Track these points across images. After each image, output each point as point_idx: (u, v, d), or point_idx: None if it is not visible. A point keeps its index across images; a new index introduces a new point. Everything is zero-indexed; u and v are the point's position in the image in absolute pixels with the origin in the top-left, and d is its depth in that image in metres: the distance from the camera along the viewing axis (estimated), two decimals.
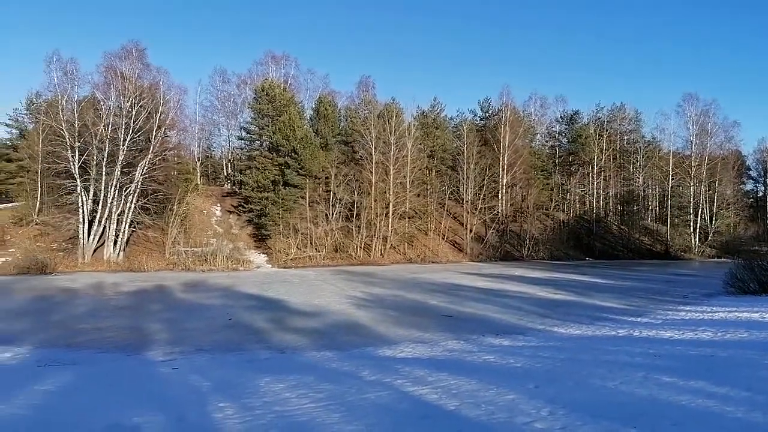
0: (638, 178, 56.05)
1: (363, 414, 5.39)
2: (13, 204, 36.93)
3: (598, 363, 7.90)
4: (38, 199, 34.09)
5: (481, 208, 44.47)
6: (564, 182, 55.09)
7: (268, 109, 40.79)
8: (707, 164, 50.94)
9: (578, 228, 51.03)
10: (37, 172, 34.00)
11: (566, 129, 58.40)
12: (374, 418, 5.23)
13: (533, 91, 74.40)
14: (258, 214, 37.51)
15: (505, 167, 46.90)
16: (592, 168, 53.61)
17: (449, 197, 45.47)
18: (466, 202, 44.80)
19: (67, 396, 6.76)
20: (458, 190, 45.91)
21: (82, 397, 6.73)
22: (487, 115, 55.26)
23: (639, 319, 14.02)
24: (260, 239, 37.36)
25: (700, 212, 50.69)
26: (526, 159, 48.39)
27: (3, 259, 28.99)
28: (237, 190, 43.35)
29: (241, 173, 42.73)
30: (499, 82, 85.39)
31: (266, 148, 40.17)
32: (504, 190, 47.24)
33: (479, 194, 44.70)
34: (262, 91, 42.00)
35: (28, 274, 26.78)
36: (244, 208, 39.15)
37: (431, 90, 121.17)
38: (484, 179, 44.70)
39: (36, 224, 32.97)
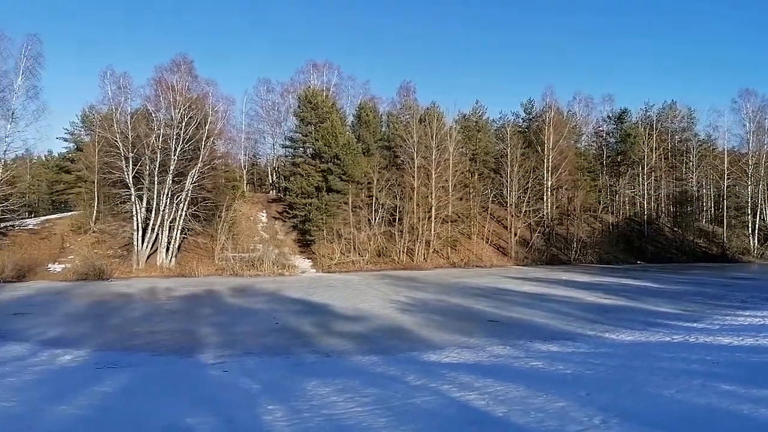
0: (691, 178, 53.69)
1: (410, 419, 5.39)
2: (72, 213, 38.88)
3: (653, 370, 7.63)
4: (95, 208, 35.78)
5: (525, 211, 43.69)
6: (612, 183, 53.38)
7: (311, 116, 41.44)
8: (765, 162, 48.36)
9: (628, 230, 49.34)
10: (93, 183, 35.73)
11: (614, 128, 56.63)
12: (421, 423, 5.22)
13: (577, 91, 72.82)
14: (302, 220, 38.08)
15: (550, 169, 45.92)
16: (642, 168, 51.70)
17: (493, 200, 44.88)
18: (510, 205, 44.10)
19: (124, 397, 7.04)
20: (502, 193, 45.24)
21: (139, 399, 7.00)
22: (530, 116, 54.36)
23: (695, 325, 13.45)
24: (305, 244, 37.91)
25: (758, 212, 48.09)
26: (571, 160, 47.22)
27: (63, 266, 30.52)
28: (282, 196, 44.17)
29: (285, 180, 43.54)
30: (542, 83, 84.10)
31: (310, 155, 40.78)
32: (549, 193, 46.24)
33: (523, 197, 43.95)
34: (305, 98, 42.71)
35: (87, 280, 28.08)
36: (289, 214, 39.84)
37: (473, 93, 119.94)
38: (528, 182, 43.88)
39: (93, 232, 34.54)
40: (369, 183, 39.17)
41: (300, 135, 43.04)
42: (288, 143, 47.11)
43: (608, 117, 57.98)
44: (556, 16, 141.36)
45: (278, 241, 38.38)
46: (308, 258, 36.68)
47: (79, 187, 39.82)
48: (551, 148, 45.91)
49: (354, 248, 36.89)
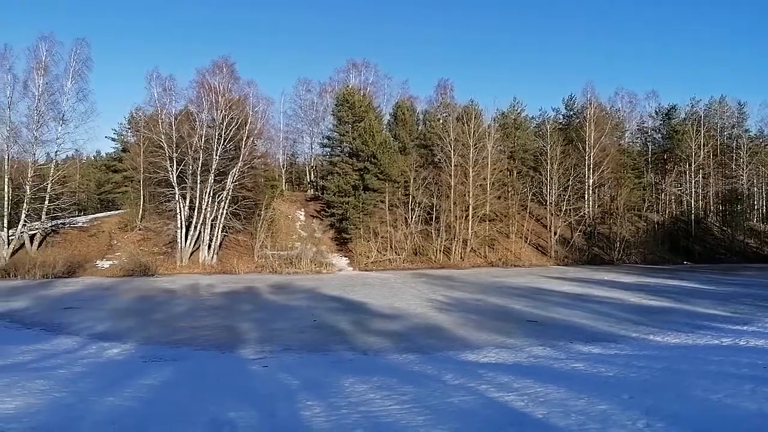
0: (742, 175, 51.36)
1: (448, 418, 5.35)
2: (119, 211, 40.35)
3: (700, 374, 7.34)
4: (141, 206, 37.02)
5: (566, 209, 42.79)
6: (658, 181, 51.58)
7: (348, 115, 41.69)
8: None
9: (675, 230, 47.65)
10: (139, 182, 36.95)
11: (660, 125, 54.76)
12: (459, 423, 5.17)
13: (620, 87, 70.69)
14: (339, 219, 38.39)
15: (592, 166, 44.82)
16: (690, 166, 49.84)
17: (532, 199, 44.08)
18: (550, 203, 43.25)
19: (169, 390, 7.25)
20: (541, 191, 44.39)
21: (183, 392, 7.19)
22: (570, 113, 53.19)
23: (745, 328, 12.88)
24: (342, 243, 38.21)
25: None
26: (614, 157, 45.92)
27: (110, 262, 31.68)
28: (319, 195, 44.64)
29: (323, 179, 43.98)
30: (582, 79, 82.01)
31: (347, 154, 41.05)
32: (591, 191, 45.14)
33: (564, 195, 43.04)
34: (343, 98, 43.01)
35: (133, 276, 29.09)
36: (327, 212, 40.23)
37: (511, 90, 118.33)
38: (568, 180, 42.93)
39: (139, 230, 35.74)
40: (406, 182, 39.14)
41: (337, 134, 43.38)
42: (325, 142, 47.60)
43: (655, 113, 56.13)
44: (596, 10, 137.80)
45: (316, 239, 38.82)
46: (345, 256, 36.95)
47: (126, 186, 41.31)
48: (593, 145, 44.79)
49: (391, 247, 36.95)
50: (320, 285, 25.07)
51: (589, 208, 44.51)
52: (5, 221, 30.31)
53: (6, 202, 30.30)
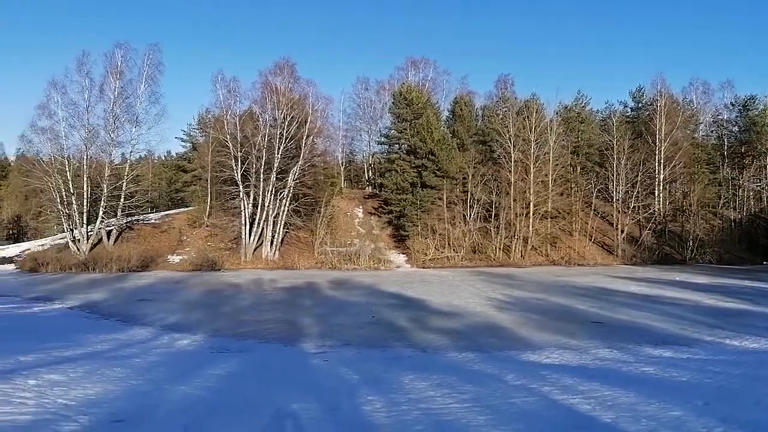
0: None
1: (510, 419, 5.25)
2: (188, 208, 42.26)
3: None
4: (208, 203, 38.63)
5: (634, 206, 40.90)
6: (735, 176, 48.26)
7: (406, 112, 41.69)
8: None
9: (753, 228, 44.48)
10: (207, 180, 38.55)
11: (737, 117, 51.22)
12: (522, 424, 5.07)
13: (694, 77, 66.76)
14: (397, 216, 38.49)
15: (662, 161, 42.62)
16: None
17: (597, 195, 42.35)
18: (617, 200, 41.48)
19: (236, 380, 7.53)
20: (607, 187, 42.57)
21: (249, 383, 7.45)
22: (639, 105, 50.72)
23: None
24: (399, 240, 38.30)
25: None
26: (686, 151, 43.40)
27: (180, 257, 33.27)
28: (377, 192, 44.93)
29: (381, 176, 44.21)
30: (652, 70, 77.90)
31: (405, 151, 41.06)
32: (661, 187, 42.94)
33: (632, 192, 41.16)
34: (400, 95, 43.02)
35: (201, 270, 30.43)
36: (384, 209, 40.44)
37: (575, 83, 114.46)
38: (637, 175, 40.97)
39: (206, 226, 37.31)
40: (464, 178, 38.71)
41: (395, 131, 43.47)
42: (383, 140, 47.82)
43: (731, 104, 52.56)
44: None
45: (374, 236, 39.12)
46: (403, 253, 37.03)
47: (195, 184, 43.27)
48: (663, 139, 42.59)
49: (448, 244, 36.68)
50: (378, 281, 25.26)
51: (659, 204, 42.35)
52: (84, 218, 32.46)
53: (85, 200, 32.43)
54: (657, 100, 45.08)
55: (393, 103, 44.56)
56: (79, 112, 32.90)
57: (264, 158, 33.78)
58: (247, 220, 33.90)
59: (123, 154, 36.77)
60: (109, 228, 34.13)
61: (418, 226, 36.89)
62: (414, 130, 39.25)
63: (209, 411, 5.52)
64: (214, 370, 8.00)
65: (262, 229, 34.18)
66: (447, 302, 18.10)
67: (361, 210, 43.57)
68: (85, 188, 32.41)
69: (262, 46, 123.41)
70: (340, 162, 53.83)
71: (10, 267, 31.65)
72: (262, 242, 34.25)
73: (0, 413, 4.69)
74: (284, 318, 15.13)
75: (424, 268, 33.98)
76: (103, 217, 33.24)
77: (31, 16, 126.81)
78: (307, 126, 34.95)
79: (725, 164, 48.89)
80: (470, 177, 37.98)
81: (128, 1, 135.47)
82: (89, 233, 32.76)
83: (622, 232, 39.72)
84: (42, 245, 35.30)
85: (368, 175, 54.17)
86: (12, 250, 36.04)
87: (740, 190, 47.62)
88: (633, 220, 40.75)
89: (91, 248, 32.49)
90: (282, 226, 34.69)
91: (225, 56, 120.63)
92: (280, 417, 5.34)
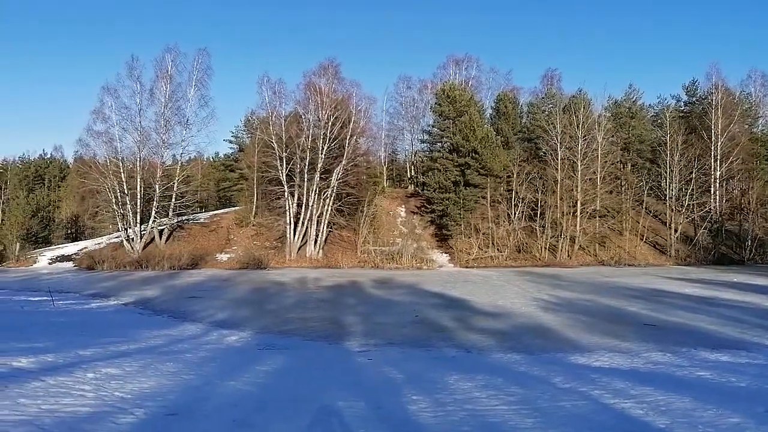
0: None
1: (558, 422, 5.12)
2: (236, 208, 43.37)
3: None
4: (254, 203, 39.51)
5: (688, 204, 39.18)
6: None
7: (448, 111, 41.40)
8: None
9: None
10: (253, 180, 39.44)
11: None
12: (571, 428, 4.94)
13: (752, 69, 63.33)
14: (440, 215, 38.26)
15: (719, 157, 40.71)
16: None
17: (648, 193, 40.81)
18: (670, 198, 39.87)
19: (282, 377, 7.66)
20: (659, 185, 40.98)
21: (295, 379, 7.57)
22: (693, 99, 48.62)
23: None
24: (442, 239, 38.06)
25: None
26: (745, 147, 41.30)
27: (228, 255, 34.17)
28: (420, 191, 44.80)
29: (423, 175, 44.08)
30: (707, 62, 74.28)
31: (447, 150, 40.77)
32: (717, 184, 41.01)
33: (686, 189, 39.42)
34: (443, 93, 42.75)
35: (248, 269, 31.16)
36: (427, 208, 40.28)
37: (626, 76, 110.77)
38: (691, 172, 39.26)
39: (253, 225, 38.19)
40: (508, 176, 38.11)
41: (437, 130, 43.22)
42: (425, 138, 47.63)
43: None
44: None
45: (416, 235, 39.03)
46: (446, 252, 36.79)
47: (241, 184, 44.36)
48: (719, 134, 40.70)
49: (492, 243, 36.19)
50: (421, 281, 25.18)
51: (715, 203, 40.48)
52: (138, 218, 33.80)
53: (139, 200, 33.76)
54: (712, 93, 43.11)
55: (435, 101, 44.34)
56: (132, 116, 34.37)
57: (308, 158, 34.26)
58: (292, 219, 34.47)
59: (174, 155, 38.10)
60: (161, 227, 35.42)
61: (461, 225, 36.56)
62: (457, 128, 38.92)
63: (257, 406, 5.63)
64: (261, 367, 8.16)
65: (307, 228, 34.68)
66: (491, 302, 17.85)
67: (403, 209, 43.57)
68: (138, 189, 33.73)
69: (307, 47, 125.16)
70: (382, 161, 53.97)
71: (69, 265, 33.32)
72: (306, 241, 34.76)
73: (62, 405, 4.91)
74: (328, 316, 15.29)
75: (467, 267, 33.66)
76: (155, 217, 34.51)
77: (84, 22, 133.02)
78: (350, 126, 35.23)
79: None
80: (515, 175, 37.36)
81: (175, 7, 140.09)
82: (142, 232, 34.11)
83: (676, 231, 38.17)
84: (98, 244, 37.01)
85: (410, 174, 54.10)
86: (70, 248, 37.94)
87: None
88: (687, 219, 39.08)
89: (144, 247, 33.83)
90: (326, 225, 35.10)
91: (271, 59, 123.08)
92: (325, 414, 5.40)
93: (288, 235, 34.44)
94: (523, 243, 36.76)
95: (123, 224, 34.02)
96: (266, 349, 10.25)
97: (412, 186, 50.74)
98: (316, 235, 34.88)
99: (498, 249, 36.06)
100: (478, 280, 25.77)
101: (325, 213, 34.86)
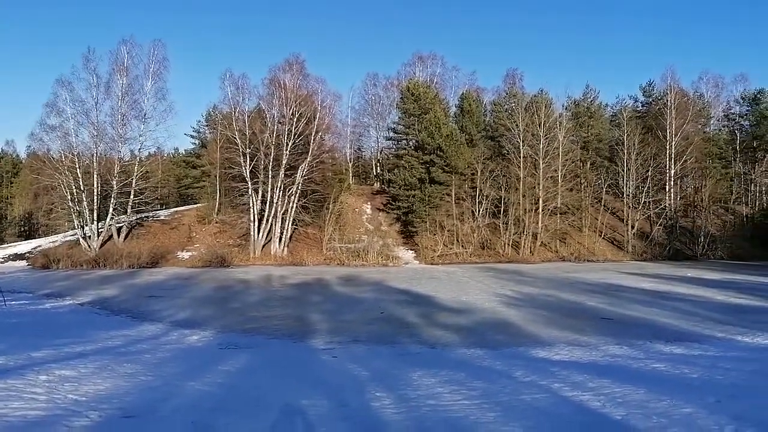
0: None
1: (519, 415, 5.21)
2: (198, 205, 42.45)
3: None
4: (217, 200, 38.81)
5: (644, 202, 40.55)
6: (747, 171, 47.75)
7: (413, 108, 41.59)
8: None
9: (766, 223, 43.98)
10: (216, 177, 38.70)
11: (748, 110, 50.62)
12: (532, 421, 5.03)
13: (704, 71, 66.04)
14: (405, 212, 38.45)
15: (674, 156, 42.26)
16: None
17: (606, 191, 42.06)
18: (627, 195, 41.17)
19: (245, 376, 7.54)
20: (617, 183, 42.25)
21: (258, 378, 7.46)
22: (649, 100, 50.31)
23: None
24: (408, 236, 38.25)
25: None
26: (698, 146, 43.01)
27: (190, 253, 33.45)
28: (385, 188, 44.90)
29: (389, 172, 44.18)
30: (662, 63, 77.12)
31: (413, 147, 40.98)
32: (672, 182, 42.58)
33: (642, 187, 40.80)
34: (408, 91, 42.92)
35: (211, 267, 30.57)
36: (393, 205, 40.40)
37: (583, 77, 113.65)
38: (647, 170, 40.63)
39: (216, 223, 37.50)
40: (473, 174, 38.59)
41: (402, 127, 43.35)
42: (391, 135, 47.74)
43: (741, 98, 51.98)
44: None
45: (382, 232, 39.11)
46: (411, 249, 36.99)
47: (204, 181, 43.45)
48: (674, 134, 42.22)
49: (457, 240, 36.60)
50: (387, 278, 25.25)
51: (670, 200, 42.02)
52: (95, 215, 32.72)
53: (95, 197, 32.68)
54: (667, 94, 44.65)
55: (401, 98, 44.48)
56: (87, 109, 33.15)
57: (272, 155, 33.84)
58: (256, 216, 34.00)
59: (132, 151, 36.95)
60: (120, 225, 34.38)
61: (426, 222, 36.83)
62: (422, 125, 39.16)
63: (218, 407, 5.53)
64: (223, 366, 8.03)
65: (271, 225, 34.28)
66: (455, 298, 18.04)
67: (369, 206, 43.57)
68: (95, 185, 32.65)
69: (273, 42, 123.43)
70: (348, 158, 53.85)
71: (23, 264, 31.97)
72: (271, 239, 34.36)
73: (11, 408, 4.72)
74: (293, 314, 15.15)
75: (432, 264, 33.95)
76: (113, 214, 33.47)
77: (39, 11, 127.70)
78: (315, 122, 34.96)
79: (737, 159, 48.43)
80: (479, 173, 37.85)
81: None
82: (100, 230, 33.01)
83: (633, 227, 39.47)
84: (53, 242, 35.63)
85: (376, 171, 54.16)
86: (24, 246, 36.43)
87: (752, 184, 47.19)
88: (643, 215, 40.47)
89: (102, 245, 32.75)
90: (290, 222, 34.77)
91: (236, 54, 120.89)
92: (288, 413, 5.34)
93: (252, 233, 33.96)
94: (487, 240, 37.31)
95: (79, 222, 32.87)
96: (228, 348, 10.07)
97: (378, 183, 50.82)
98: (281, 233, 34.52)
99: (462, 246, 36.49)
100: (443, 277, 26.01)
101: (290, 210, 34.52)
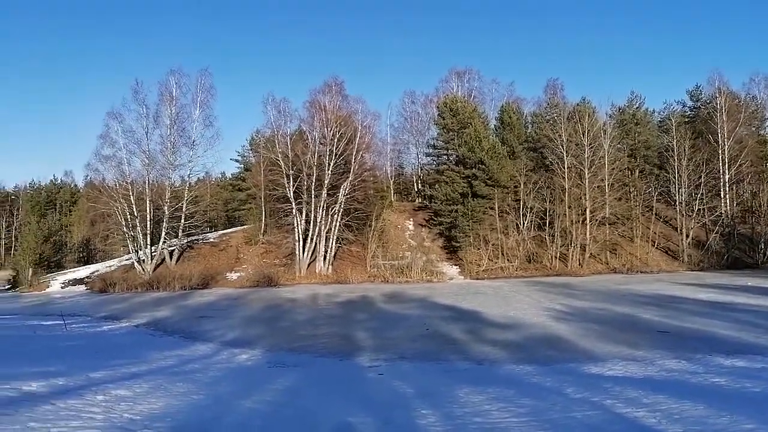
0: None
1: None
2: (244, 227, 43.52)
3: None
4: (263, 221, 39.69)
5: (698, 209, 38.81)
6: None
7: (452, 123, 41.53)
8: None
9: None
10: (261, 199, 39.63)
11: None
12: None
13: (755, 71, 63.05)
14: (448, 227, 38.19)
15: (727, 161, 40.42)
16: None
17: (658, 199, 40.53)
18: (680, 203, 39.53)
19: (293, 395, 7.64)
20: (668, 190, 40.67)
21: (305, 397, 7.55)
22: (698, 104, 48.49)
23: None
24: (452, 251, 37.92)
25: None
26: (753, 149, 41.03)
27: (238, 274, 34.24)
28: (427, 204, 44.79)
29: (430, 188, 44.07)
30: (707, 66, 74.21)
31: (453, 162, 40.80)
32: (727, 187, 40.66)
33: (695, 194, 39.07)
34: (445, 106, 42.94)
35: (258, 287, 31.19)
36: (435, 221, 40.21)
37: (629, 84, 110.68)
38: (700, 176, 38.95)
39: (262, 243, 38.31)
40: (516, 187, 38.04)
41: (442, 142, 43.30)
42: (430, 151, 47.76)
43: None
44: None
45: (425, 248, 38.93)
46: (455, 264, 36.63)
47: (249, 203, 44.58)
48: (726, 138, 40.47)
49: (502, 254, 36.01)
50: (431, 294, 25.09)
51: (726, 206, 40.09)
52: (148, 239, 34.00)
53: (148, 222, 34.00)
54: (716, 97, 42.92)
55: (438, 114, 44.51)
56: (138, 139, 34.69)
57: (315, 175, 34.39)
58: (301, 236, 34.53)
59: (182, 176, 38.36)
60: (172, 248, 35.60)
61: (470, 236, 36.44)
62: (462, 140, 39.02)
63: (268, 425, 5.62)
64: (272, 385, 8.16)
65: (315, 244, 34.73)
66: (502, 314, 17.74)
67: (411, 222, 43.51)
68: (148, 211, 33.97)
69: (311, 66, 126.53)
70: (389, 175, 54.09)
71: (81, 288, 33.52)
72: (316, 257, 34.79)
73: (71, 428, 4.93)
74: (339, 332, 15.26)
75: (477, 279, 33.48)
76: (165, 238, 34.72)
77: (89, 43, 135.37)
78: (356, 142, 35.40)
79: None
80: (522, 185, 37.28)
81: (179, 29, 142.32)
82: (153, 254, 34.29)
83: (687, 236, 37.82)
84: (110, 267, 37.24)
85: (417, 188, 54.17)
86: (82, 272, 38.18)
87: None
88: (698, 223, 38.71)
89: (155, 268, 33.99)
90: (334, 241, 35.12)
91: (276, 78, 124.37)
92: (336, 430, 5.37)
93: (297, 252, 34.48)
94: (533, 253, 36.55)
95: (134, 246, 34.23)
96: (276, 366, 10.23)
97: (419, 199, 50.78)
98: (325, 251, 34.90)
99: (508, 259, 35.87)
100: (489, 292, 25.63)
101: (333, 229, 34.89)
